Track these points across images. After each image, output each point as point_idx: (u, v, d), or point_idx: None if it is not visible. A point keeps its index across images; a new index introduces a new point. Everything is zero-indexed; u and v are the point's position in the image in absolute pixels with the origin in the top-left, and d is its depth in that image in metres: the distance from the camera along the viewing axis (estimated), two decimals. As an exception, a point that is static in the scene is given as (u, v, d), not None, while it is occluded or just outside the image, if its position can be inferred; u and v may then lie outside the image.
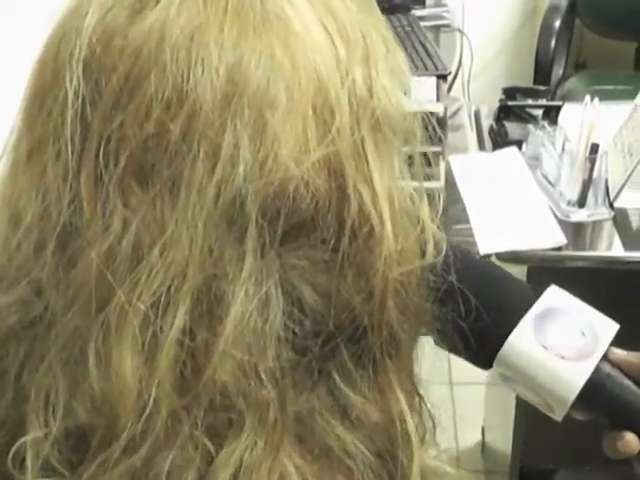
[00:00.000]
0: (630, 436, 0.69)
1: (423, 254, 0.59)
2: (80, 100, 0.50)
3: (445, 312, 0.62)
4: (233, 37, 0.50)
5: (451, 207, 1.66)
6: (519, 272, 1.65)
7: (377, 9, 0.59)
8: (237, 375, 0.50)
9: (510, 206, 1.64)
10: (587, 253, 1.57)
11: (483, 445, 2.37)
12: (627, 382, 0.70)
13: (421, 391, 0.60)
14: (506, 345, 0.69)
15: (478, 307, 0.68)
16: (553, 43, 2.83)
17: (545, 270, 1.62)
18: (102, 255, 0.50)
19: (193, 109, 0.49)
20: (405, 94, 0.57)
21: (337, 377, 0.54)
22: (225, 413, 0.51)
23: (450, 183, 1.71)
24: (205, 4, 0.50)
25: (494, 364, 0.71)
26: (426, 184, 1.75)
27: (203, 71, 0.49)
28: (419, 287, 0.57)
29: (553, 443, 1.87)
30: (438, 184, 1.68)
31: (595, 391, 0.69)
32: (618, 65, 3.14)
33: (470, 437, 2.41)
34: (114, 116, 0.50)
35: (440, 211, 0.61)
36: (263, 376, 0.51)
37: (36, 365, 0.53)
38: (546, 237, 1.55)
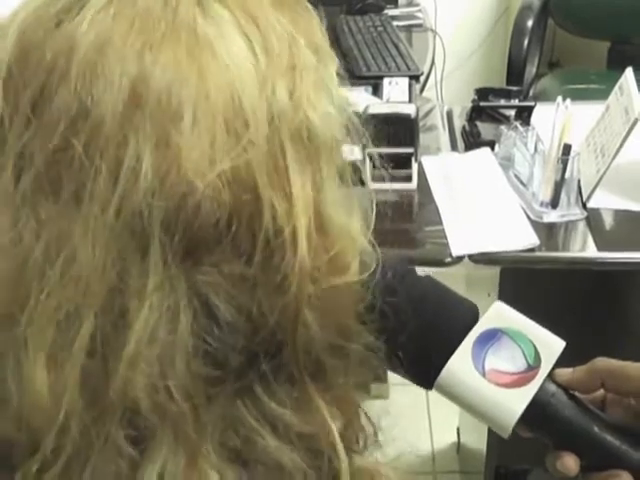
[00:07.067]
0: (568, 457, 0.68)
1: (358, 270, 0.57)
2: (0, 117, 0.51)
3: (383, 333, 0.60)
4: (136, 50, 0.50)
5: (423, 208, 1.66)
6: (492, 274, 1.65)
7: (313, 17, 0.58)
8: (147, 390, 0.50)
9: (482, 207, 1.64)
10: (560, 254, 1.57)
11: (458, 446, 2.37)
12: (571, 403, 0.69)
13: (356, 397, 0.60)
14: (444, 372, 0.68)
15: (418, 329, 0.66)
16: (526, 43, 2.83)
17: (518, 271, 1.62)
18: (12, 271, 0.50)
19: (95, 124, 0.49)
20: (335, 104, 0.56)
21: (259, 389, 0.54)
22: (140, 427, 0.51)
23: (423, 184, 1.70)
24: (114, 18, 0.50)
25: (434, 389, 0.69)
26: (400, 185, 1.74)
27: (106, 85, 0.49)
28: (345, 304, 0.56)
29: (528, 443, 1.86)
30: (411, 185, 1.68)
31: (537, 412, 0.68)
32: (591, 64, 3.15)
33: (445, 438, 2.42)
34: (26, 131, 0.50)
35: (372, 226, 0.60)
36: (173, 390, 0.51)
37: None
38: (519, 238, 1.54)
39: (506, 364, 0.68)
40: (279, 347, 0.53)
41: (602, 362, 0.71)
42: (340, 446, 0.56)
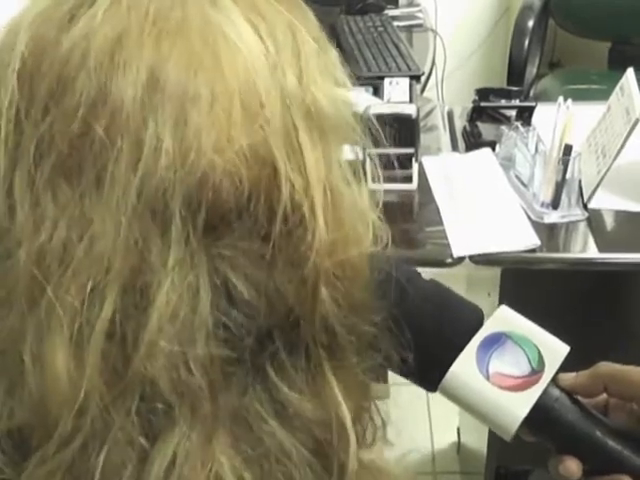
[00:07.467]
0: (571, 461, 0.68)
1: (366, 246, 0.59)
2: (14, 109, 0.52)
3: (388, 335, 0.61)
4: (153, 37, 0.52)
5: (424, 209, 1.66)
6: (493, 274, 1.65)
7: (307, 10, 0.60)
8: (166, 366, 0.51)
9: (483, 208, 1.63)
10: (561, 255, 1.57)
11: (459, 446, 2.37)
12: (574, 407, 0.69)
13: (368, 386, 0.60)
14: (448, 375, 0.68)
15: (423, 332, 0.66)
16: (526, 43, 2.83)
17: (519, 272, 1.62)
18: (33, 254, 0.51)
19: (115, 106, 0.50)
20: (342, 89, 0.58)
21: (272, 373, 0.55)
22: (157, 406, 0.52)
23: (423, 185, 1.70)
24: (129, 10, 0.52)
25: (438, 391, 0.69)
26: (400, 186, 1.73)
27: (125, 71, 0.51)
28: (360, 278, 0.57)
29: (529, 444, 1.86)
30: (411, 186, 1.67)
31: (541, 416, 0.68)
32: (592, 64, 3.15)
33: (446, 438, 2.42)
34: (44, 119, 0.51)
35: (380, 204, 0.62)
36: (192, 365, 0.51)
37: None
38: (519, 239, 1.54)
39: (510, 368, 0.68)
40: (295, 324, 0.54)
41: (605, 367, 0.72)
42: (351, 432, 0.56)
